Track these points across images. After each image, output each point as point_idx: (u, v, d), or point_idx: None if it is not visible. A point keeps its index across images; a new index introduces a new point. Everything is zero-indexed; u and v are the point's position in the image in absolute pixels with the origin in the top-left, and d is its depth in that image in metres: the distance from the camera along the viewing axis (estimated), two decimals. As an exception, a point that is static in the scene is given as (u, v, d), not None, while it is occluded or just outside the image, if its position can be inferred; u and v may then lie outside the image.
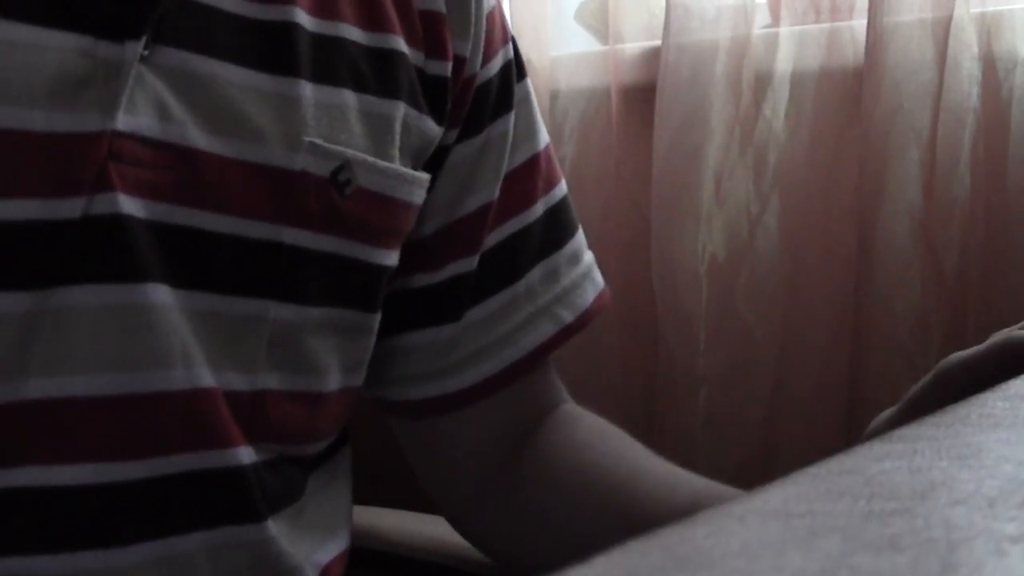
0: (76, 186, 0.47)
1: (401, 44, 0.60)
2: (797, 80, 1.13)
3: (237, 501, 0.53)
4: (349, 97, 0.57)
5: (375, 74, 0.58)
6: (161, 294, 0.49)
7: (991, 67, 1.03)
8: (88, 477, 0.48)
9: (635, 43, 1.23)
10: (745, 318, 1.14)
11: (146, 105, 0.49)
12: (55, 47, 0.47)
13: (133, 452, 0.49)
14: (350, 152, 0.56)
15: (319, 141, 0.54)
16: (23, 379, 0.47)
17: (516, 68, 0.69)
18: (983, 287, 1.04)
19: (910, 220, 1.04)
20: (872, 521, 0.25)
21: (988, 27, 1.03)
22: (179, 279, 0.50)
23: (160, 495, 0.50)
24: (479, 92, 0.65)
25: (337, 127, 0.56)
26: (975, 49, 1.02)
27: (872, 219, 1.06)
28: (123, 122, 0.48)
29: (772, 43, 1.13)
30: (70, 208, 0.47)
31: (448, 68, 0.62)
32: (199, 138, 0.50)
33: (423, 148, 0.62)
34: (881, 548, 0.23)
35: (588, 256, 0.72)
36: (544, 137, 0.71)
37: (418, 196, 0.61)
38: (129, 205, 0.48)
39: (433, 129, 0.62)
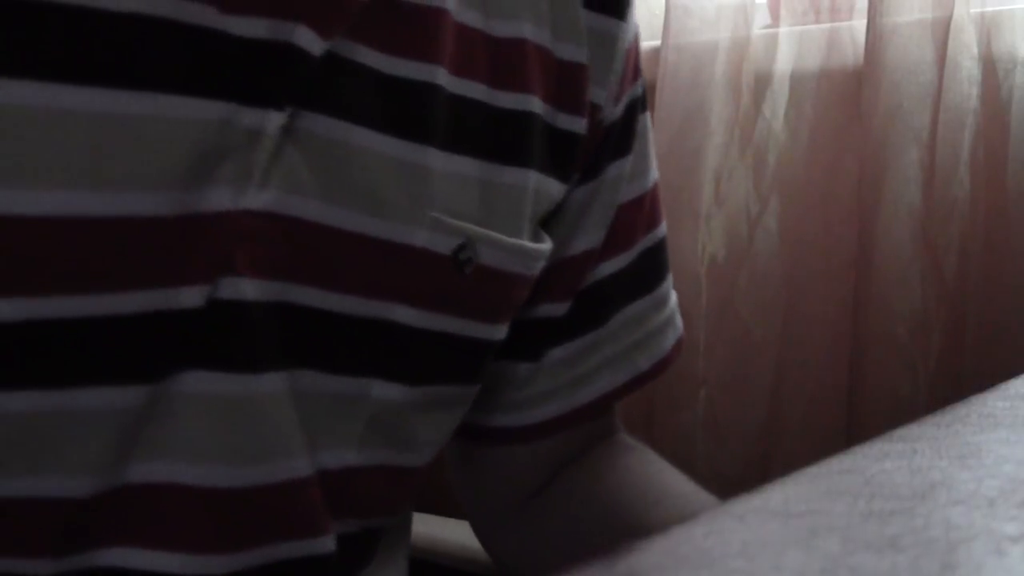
0: (200, 272, 0.44)
1: (535, 104, 0.55)
2: (797, 80, 1.13)
3: None
4: (478, 167, 0.53)
5: (507, 141, 0.54)
6: (272, 383, 0.47)
7: (991, 67, 1.03)
8: (172, 566, 0.46)
9: (635, 43, 1.23)
10: (745, 318, 1.14)
11: (278, 178, 0.45)
12: (192, 119, 0.43)
13: (222, 545, 0.47)
14: (473, 229, 0.52)
15: (443, 216, 0.51)
16: (127, 463, 0.44)
17: (640, 104, 0.64)
18: (983, 287, 1.04)
19: (910, 220, 1.04)
20: (872, 521, 0.25)
21: (988, 27, 1.03)
22: (288, 360, 0.47)
23: None
24: (603, 134, 0.61)
25: (463, 200, 0.52)
26: (975, 49, 1.02)
27: (872, 219, 1.06)
28: (254, 199, 0.44)
29: (772, 43, 1.13)
30: (192, 296, 0.44)
31: (583, 124, 0.58)
32: (325, 212, 0.47)
33: (547, 210, 0.58)
34: (881, 548, 0.23)
35: (673, 299, 0.69)
36: (654, 174, 0.66)
37: (538, 268, 0.57)
38: (251, 288, 0.45)
39: (557, 188, 0.58)
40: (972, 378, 1.04)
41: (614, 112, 0.61)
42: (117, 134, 0.41)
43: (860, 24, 1.09)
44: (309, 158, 0.46)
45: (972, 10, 1.02)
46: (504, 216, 0.54)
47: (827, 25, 1.13)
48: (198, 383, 0.45)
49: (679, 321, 0.69)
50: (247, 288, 0.45)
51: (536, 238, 0.57)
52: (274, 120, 0.44)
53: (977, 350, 1.05)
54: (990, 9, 1.03)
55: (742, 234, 1.14)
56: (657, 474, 0.66)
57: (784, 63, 1.13)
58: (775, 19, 1.15)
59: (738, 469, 1.14)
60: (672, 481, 0.64)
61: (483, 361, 0.56)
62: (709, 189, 1.14)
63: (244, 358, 0.46)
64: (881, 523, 0.24)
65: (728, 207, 1.15)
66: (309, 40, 0.45)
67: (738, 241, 1.14)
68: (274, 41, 0.44)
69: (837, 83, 1.11)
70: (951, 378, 1.05)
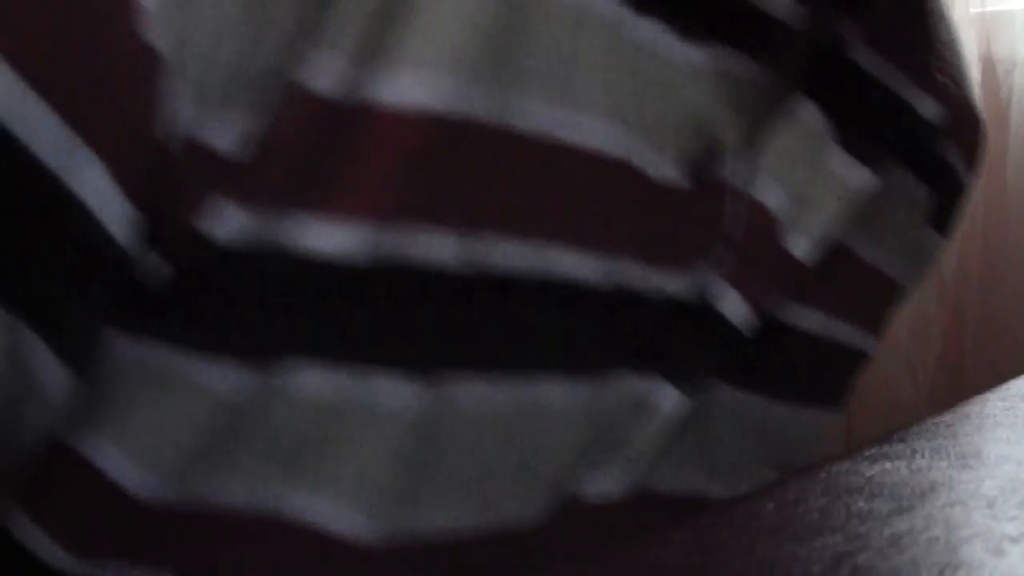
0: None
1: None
2: (797, 80, 1.13)
3: None
4: (793, 412, 0.47)
5: (827, 380, 0.48)
6: None
7: (991, 68, 1.03)
8: None
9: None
10: (745, 318, 1.14)
11: (658, 456, 0.38)
12: (586, 404, 0.35)
13: None
14: None
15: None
16: None
17: None
18: (982, 288, 1.04)
19: (910, 220, 1.04)
20: (872, 521, 0.25)
21: (988, 28, 1.03)
22: None
23: None
24: None
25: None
26: (975, 50, 1.02)
27: (872, 219, 1.06)
28: (630, 481, 0.37)
29: (772, 43, 1.13)
30: None
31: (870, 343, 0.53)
32: (680, 481, 0.40)
33: None
34: (881, 548, 0.23)
35: None
36: None
37: None
38: None
39: None
40: (972, 378, 1.04)
41: None
42: (512, 437, 0.34)
43: (860, 24, 1.09)
44: (693, 433, 0.39)
45: (972, 10, 1.02)
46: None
47: (827, 25, 1.13)
48: None
49: None
50: None
51: None
52: (673, 399, 0.37)
53: (977, 350, 1.05)
54: (990, 9, 1.03)
55: (742, 234, 1.14)
56: None
57: (784, 63, 1.13)
58: (775, 19, 1.15)
59: (738, 469, 1.14)
60: None
61: None
62: (709, 189, 1.14)
63: None
64: (881, 523, 0.24)
65: (728, 207, 1.15)
66: (735, 307, 0.38)
67: (738, 241, 1.14)
68: (695, 304, 0.37)
69: (837, 83, 1.11)
70: (951, 378, 1.05)
